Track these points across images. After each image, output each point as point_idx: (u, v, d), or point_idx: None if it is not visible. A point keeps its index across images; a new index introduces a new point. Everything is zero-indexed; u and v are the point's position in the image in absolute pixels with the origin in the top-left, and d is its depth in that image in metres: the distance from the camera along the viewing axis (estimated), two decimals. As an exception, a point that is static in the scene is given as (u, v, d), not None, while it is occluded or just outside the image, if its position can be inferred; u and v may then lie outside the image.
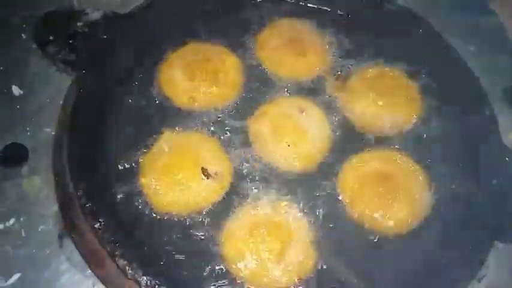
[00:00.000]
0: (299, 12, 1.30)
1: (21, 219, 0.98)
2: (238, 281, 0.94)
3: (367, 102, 1.16)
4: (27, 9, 1.21)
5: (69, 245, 0.96)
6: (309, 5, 1.32)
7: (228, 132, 1.10)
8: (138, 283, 0.88)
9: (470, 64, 1.18)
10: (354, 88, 1.18)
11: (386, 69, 1.21)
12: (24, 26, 1.19)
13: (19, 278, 0.93)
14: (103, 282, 0.93)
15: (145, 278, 0.88)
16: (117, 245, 0.91)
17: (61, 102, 1.10)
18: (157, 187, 1.01)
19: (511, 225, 1.01)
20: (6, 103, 1.10)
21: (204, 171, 1.02)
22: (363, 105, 1.16)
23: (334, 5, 1.30)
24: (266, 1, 1.31)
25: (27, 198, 1.00)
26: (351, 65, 1.22)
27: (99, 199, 0.96)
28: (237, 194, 1.03)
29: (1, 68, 1.15)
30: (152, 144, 1.07)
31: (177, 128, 1.09)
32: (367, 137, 1.13)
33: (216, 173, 1.03)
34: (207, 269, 0.95)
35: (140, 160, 1.05)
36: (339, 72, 1.21)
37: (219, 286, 0.94)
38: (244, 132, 1.11)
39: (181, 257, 0.96)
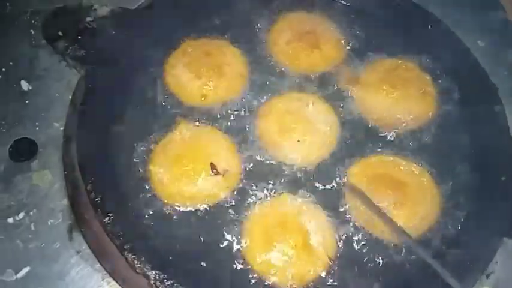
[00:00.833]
0: (310, 5, 1.29)
1: (31, 213, 0.99)
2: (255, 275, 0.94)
3: (381, 96, 1.15)
4: (36, 5, 1.21)
5: (78, 239, 0.97)
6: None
7: (236, 127, 1.10)
8: (147, 277, 0.89)
9: (480, 60, 1.18)
10: (367, 81, 1.17)
11: (400, 61, 1.20)
12: (33, 22, 1.20)
13: (28, 272, 0.94)
14: (112, 275, 0.94)
15: (154, 272, 0.89)
16: (126, 239, 0.92)
17: (70, 97, 1.11)
18: (165, 176, 1.01)
19: (520, 221, 1.00)
20: (16, 98, 1.11)
21: (213, 167, 1.02)
22: (376, 99, 1.15)
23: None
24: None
25: (37, 193, 1.01)
26: (365, 57, 1.22)
27: (109, 193, 0.97)
28: (245, 190, 1.03)
29: (10, 63, 1.15)
30: (160, 139, 1.07)
31: (186, 122, 1.09)
32: (379, 130, 1.13)
33: (225, 171, 1.03)
34: (217, 263, 0.95)
35: (149, 155, 1.05)
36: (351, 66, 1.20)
37: (233, 281, 0.94)
38: (253, 128, 1.10)
39: (190, 252, 0.96)
